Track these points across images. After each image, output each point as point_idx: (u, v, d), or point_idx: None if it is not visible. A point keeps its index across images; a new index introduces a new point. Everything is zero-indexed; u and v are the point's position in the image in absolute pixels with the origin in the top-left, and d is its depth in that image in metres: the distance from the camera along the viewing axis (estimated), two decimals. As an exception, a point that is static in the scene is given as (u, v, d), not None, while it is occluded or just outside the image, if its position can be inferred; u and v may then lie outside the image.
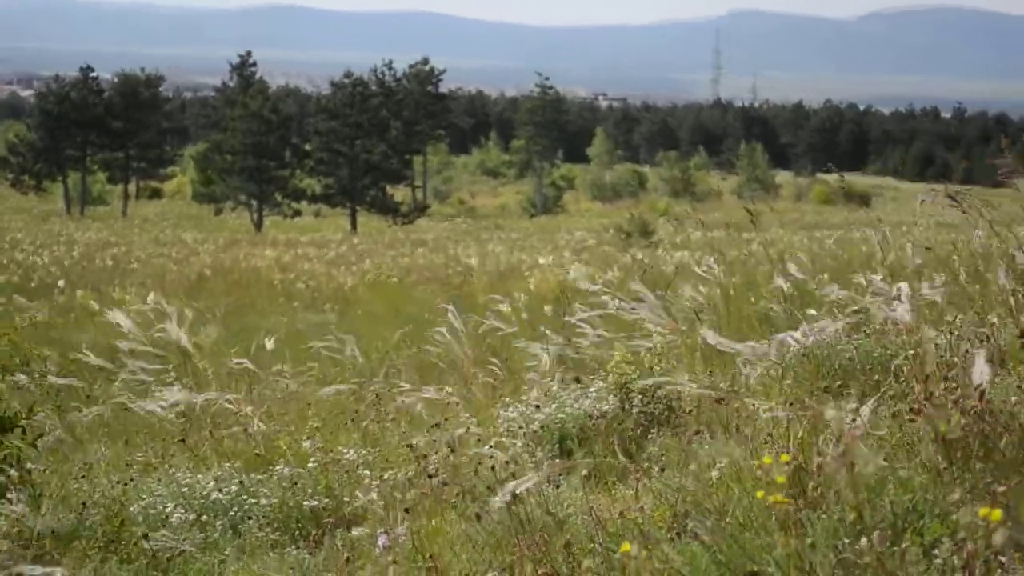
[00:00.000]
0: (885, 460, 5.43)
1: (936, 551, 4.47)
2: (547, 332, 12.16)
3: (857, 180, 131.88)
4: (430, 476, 6.18)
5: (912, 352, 6.49)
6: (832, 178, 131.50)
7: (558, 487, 6.68)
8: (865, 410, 5.20)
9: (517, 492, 4.66)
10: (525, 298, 23.14)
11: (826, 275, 14.73)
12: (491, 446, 7.81)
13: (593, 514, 5.74)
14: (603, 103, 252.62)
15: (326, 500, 8.25)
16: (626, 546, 3.85)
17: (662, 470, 6.87)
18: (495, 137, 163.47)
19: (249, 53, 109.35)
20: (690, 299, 12.57)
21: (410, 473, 7.63)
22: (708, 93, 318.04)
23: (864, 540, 4.25)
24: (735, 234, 28.08)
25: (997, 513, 3.78)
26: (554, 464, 7.00)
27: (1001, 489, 4.45)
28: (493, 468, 6.46)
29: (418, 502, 6.89)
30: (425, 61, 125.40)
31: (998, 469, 4.97)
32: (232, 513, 8.00)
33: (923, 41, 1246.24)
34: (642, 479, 6.63)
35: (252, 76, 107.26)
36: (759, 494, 4.42)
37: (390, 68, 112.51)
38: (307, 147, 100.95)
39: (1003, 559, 4.17)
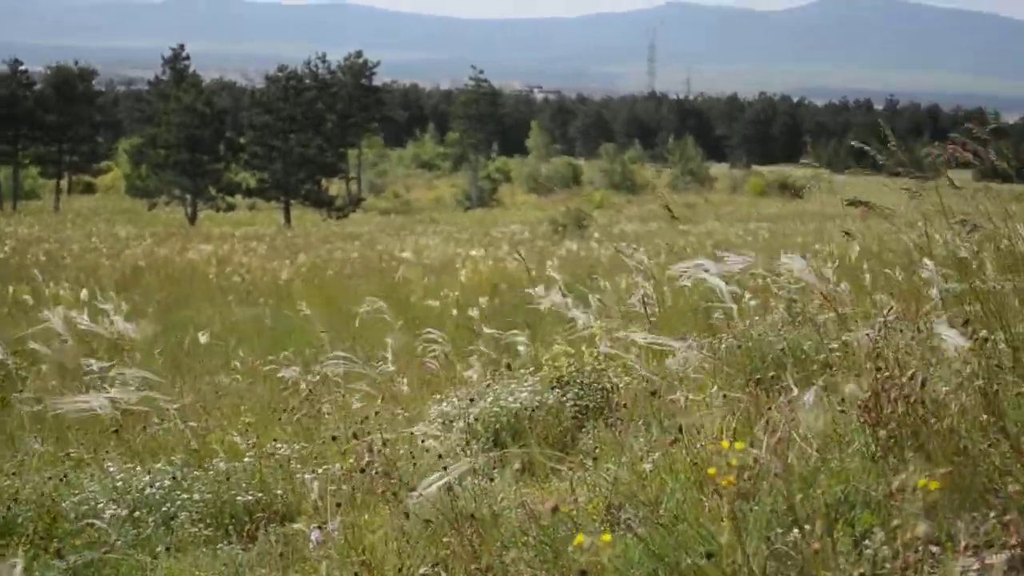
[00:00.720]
0: (818, 451, 5.45)
1: (867, 541, 4.49)
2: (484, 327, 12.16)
3: (791, 171, 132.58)
4: (361, 470, 6.14)
5: (844, 343, 6.52)
6: (766, 170, 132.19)
7: (492, 480, 6.66)
8: (801, 402, 5.22)
9: (448, 480, 4.63)
10: (456, 294, 23.15)
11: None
12: (424, 440, 7.79)
13: (526, 507, 5.73)
14: (538, 96, 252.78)
15: (260, 495, 8.19)
16: (580, 538, 3.84)
17: (595, 462, 6.88)
18: (431, 130, 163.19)
19: (182, 46, 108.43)
20: (625, 291, 12.61)
21: (344, 467, 7.59)
22: (643, 86, 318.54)
23: (796, 531, 4.26)
24: (671, 226, 28.21)
25: (934, 483, 3.79)
26: (487, 456, 6.99)
27: (940, 471, 4.47)
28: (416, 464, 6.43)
29: (352, 496, 6.86)
30: (359, 54, 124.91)
31: (930, 459, 4.99)
32: (165, 508, 7.92)
33: (858, 33, 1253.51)
34: (576, 471, 6.63)
35: (185, 70, 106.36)
36: (711, 471, 4.41)
37: (324, 61, 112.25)
38: (241, 141, 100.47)
39: (934, 549, 4.19)
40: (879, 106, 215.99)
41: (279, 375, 11.83)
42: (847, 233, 10.04)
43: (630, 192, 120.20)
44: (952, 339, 5.37)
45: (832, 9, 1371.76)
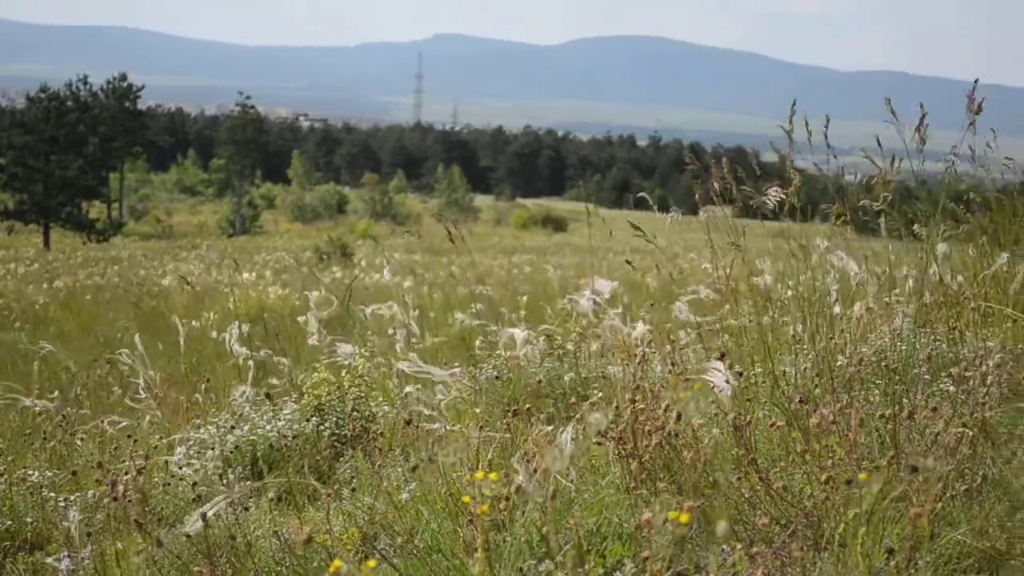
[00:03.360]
0: (574, 483, 5.51)
1: (618, 573, 4.54)
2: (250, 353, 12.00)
3: (555, 205, 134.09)
4: (115, 499, 6.00)
5: (602, 375, 6.59)
6: (531, 203, 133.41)
7: (247, 509, 6.58)
8: (562, 434, 5.25)
9: (206, 515, 4.55)
10: (216, 317, 22.85)
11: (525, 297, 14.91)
12: (180, 467, 7.67)
13: (281, 536, 5.67)
14: (305, 123, 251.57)
15: (9, 522, 7.96)
16: (337, 563, 3.80)
17: (353, 492, 6.84)
18: (193, 155, 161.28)
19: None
20: (389, 320, 12.57)
21: (98, 494, 7.43)
22: (411, 116, 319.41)
23: (548, 562, 4.28)
24: (435, 257, 28.28)
25: (684, 516, 3.84)
26: (244, 486, 6.90)
27: (687, 505, 4.54)
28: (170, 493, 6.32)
29: (106, 524, 6.71)
30: (123, 77, 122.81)
31: (681, 491, 5.07)
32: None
33: (622, 69, 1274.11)
34: (333, 501, 6.59)
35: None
36: (465, 499, 4.41)
37: (86, 83, 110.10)
38: (0, 161, 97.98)
39: (684, 579, 4.25)
40: (643, 142, 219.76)
41: (23, 404, 11.52)
42: (628, 262, 10.16)
43: (395, 222, 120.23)
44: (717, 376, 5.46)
45: (597, 46, 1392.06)
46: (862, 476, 4.09)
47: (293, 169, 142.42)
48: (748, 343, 7.95)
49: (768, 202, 6.90)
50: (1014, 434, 6.18)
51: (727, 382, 5.14)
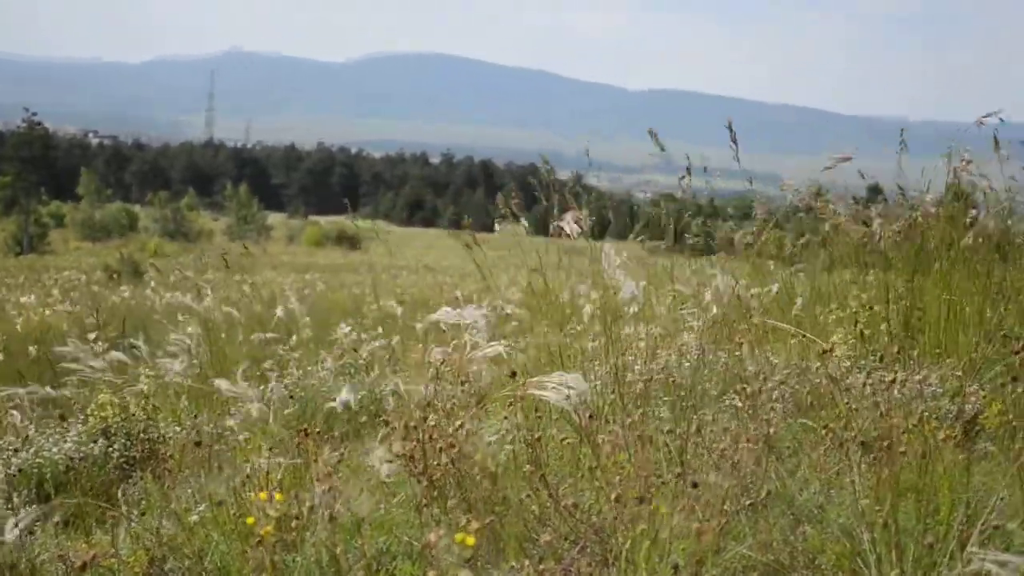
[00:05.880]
0: (366, 502, 5.48)
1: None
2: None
3: (348, 222, 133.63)
4: None
5: (396, 395, 6.57)
6: (324, 220, 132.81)
7: (32, 533, 6.44)
8: (351, 450, 5.23)
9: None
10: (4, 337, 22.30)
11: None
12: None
13: (66, 560, 5.56)
14: (94, 140, 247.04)
15: None
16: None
17: (142, 514, 6.73)
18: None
19: None
20: (176, 341, 12.40)
21: None
22: (203, 133, 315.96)
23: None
24: (227, 276, 27.94)
25: (471, 539, 3.84)
26: (29, 510, 6.75)
27: (475, 527, 4.54)
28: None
29: None
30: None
31: (472, 509, 5.08)
32: None
33: (416, 86, 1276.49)
34: (121, 523, 6.47)
35: None
36: (249, 520, 4.36)
37: None
38: None
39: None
40: (436, 159, 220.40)
41: None
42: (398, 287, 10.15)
43: (186, 240, 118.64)
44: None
45: (390, 64, 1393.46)
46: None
47: (83, 187, 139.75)
48: (543, 359, 8.00)
49: (565, 228, 6.95)
50: (798, 449, 6.32)
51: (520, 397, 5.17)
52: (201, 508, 6.11)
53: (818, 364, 7.35)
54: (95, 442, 8.97)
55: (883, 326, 8.90)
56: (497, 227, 7.63)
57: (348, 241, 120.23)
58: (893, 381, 5.73)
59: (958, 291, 8.75)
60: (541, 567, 4.25)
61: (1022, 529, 4.88)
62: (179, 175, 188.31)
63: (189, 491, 6.77)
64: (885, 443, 5.01)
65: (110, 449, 8.93)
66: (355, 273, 61.01)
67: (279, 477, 5.81)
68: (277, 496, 4.15)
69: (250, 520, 4.13)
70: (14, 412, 10.95)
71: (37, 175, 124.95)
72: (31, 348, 19.26)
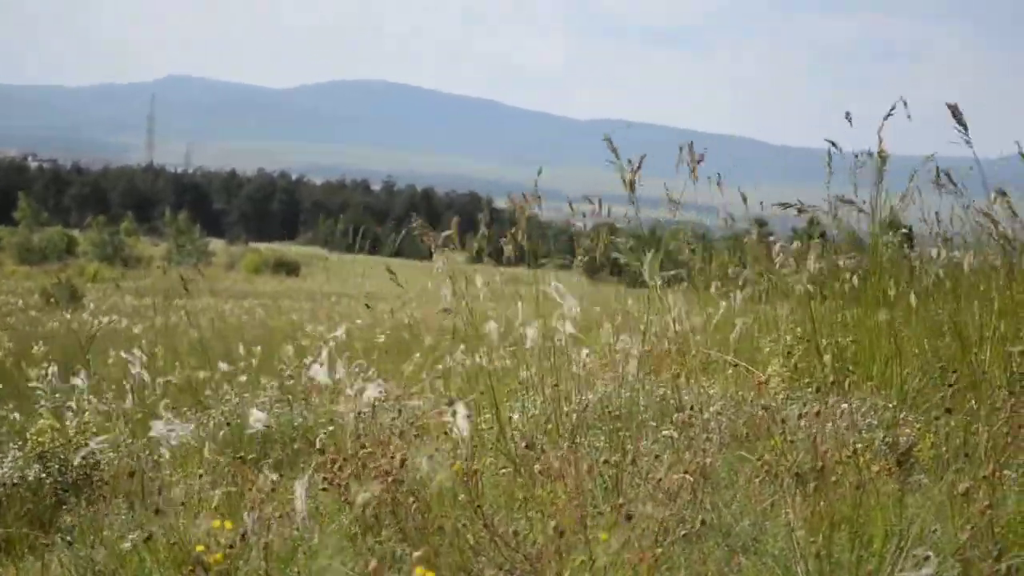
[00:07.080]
0: (298, 530, 5.45)
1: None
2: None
3: (289, 249, 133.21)
4: None
5: (330, 423, 6.55)
6: (264, 247, 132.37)
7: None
8: (296, 484, 5.20)
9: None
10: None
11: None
12: None
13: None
14: (33, 164, 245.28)
15: None
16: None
17: (71, 543, 6.68)
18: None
19: None
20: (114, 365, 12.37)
21: None
22: (143, 157, 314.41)
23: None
24: (167, 302, 27.82)
25: (431, 573, 3.84)
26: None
27: (416, 555, 4.53)
28: None
29: None
30: None
31: (407, 538, 5.07)
32: None
33: (358, 113, 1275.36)
34: (53, 551, 6.42)
35: None
36: (199, 547, 4.34)
37: None
38: None
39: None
40: (376, 186, 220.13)
41: None
42: (367, 305, 10.16)
43: (125, 265, 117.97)
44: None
45: (332, 90, 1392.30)
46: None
47: (21, 210, 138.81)
48: (479, 387, 8.00)
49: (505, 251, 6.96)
50: (733, 480, 6.33)
51: (463, 426, 5.16)
52: (134, 535, 6.06)
53: (753, 395, 7.39)
54: (31, 467, 8.89)
55: (817, 360, 8.95)
56: (435, 256, 7.62)
57: (287, 267, 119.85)
58: (819, 413, 5.76)
59: (897, 323, 8.80)
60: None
61: (954, 559, 4.91)
62: (119, 199, 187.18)
63: (122, 517, 6.73)
64: (819, 474, 5.04)
65: (44, 475, 8.85)
66: (295, 299, 60.80)
67: (215, 504, 5.78)
68: (227, 524, 4.14)
69: (200, 547, 4.11)
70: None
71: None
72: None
